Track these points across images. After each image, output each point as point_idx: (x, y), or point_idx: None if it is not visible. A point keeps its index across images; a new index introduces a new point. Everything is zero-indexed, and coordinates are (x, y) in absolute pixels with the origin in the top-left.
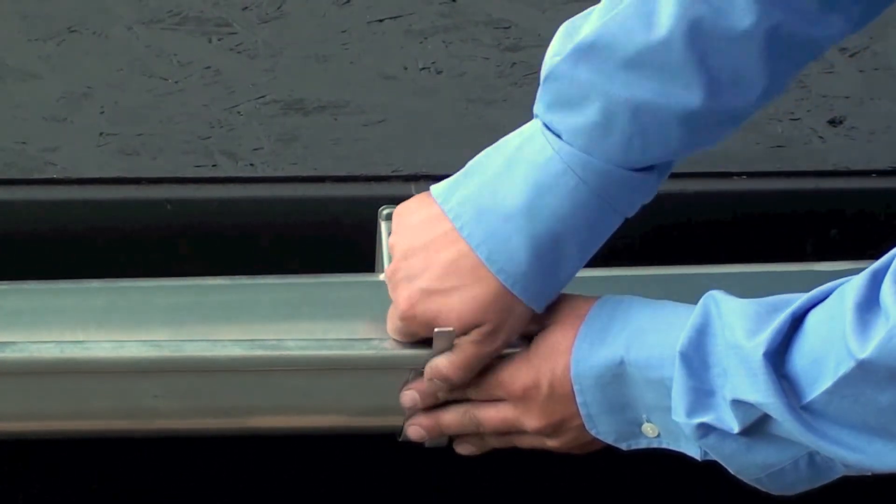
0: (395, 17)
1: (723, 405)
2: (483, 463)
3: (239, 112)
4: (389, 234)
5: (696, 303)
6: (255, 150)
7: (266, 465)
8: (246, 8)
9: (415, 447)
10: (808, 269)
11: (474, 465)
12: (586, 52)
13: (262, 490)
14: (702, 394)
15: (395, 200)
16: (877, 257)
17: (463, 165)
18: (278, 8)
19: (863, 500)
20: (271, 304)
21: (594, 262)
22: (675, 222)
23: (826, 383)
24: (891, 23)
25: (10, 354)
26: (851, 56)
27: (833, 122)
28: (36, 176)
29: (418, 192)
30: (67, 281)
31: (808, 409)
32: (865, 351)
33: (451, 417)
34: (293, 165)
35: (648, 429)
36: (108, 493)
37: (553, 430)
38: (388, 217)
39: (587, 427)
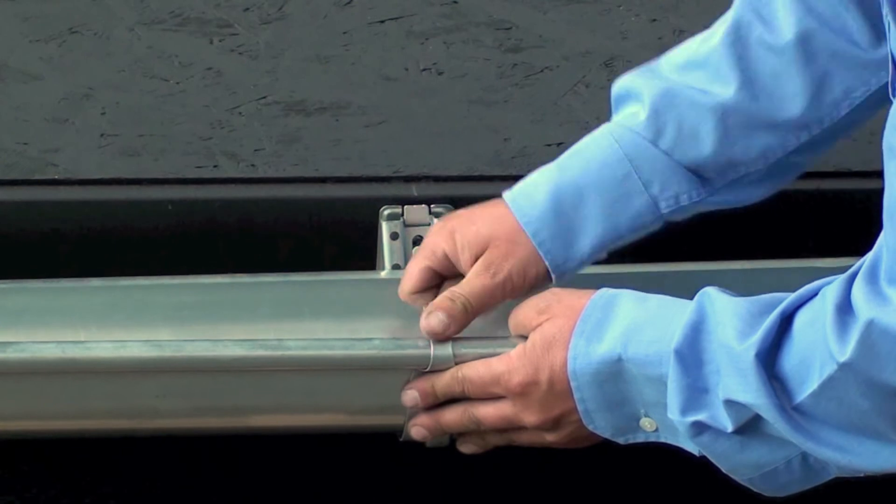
0: (397, 19)
1: (717, 403)
2: (483, 462)
3: (240, 113)
4: (390, 234)
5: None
6: (257, 150)
7: (267, 465)
8: (247, 9)
9: (416, 447)
10: (810, 266)
11: (475, 465)
12: (650, 67)
13: (264, 489)
14: (696, 391)
15: (396, 201)
16: None
17: (464, 166)
18: (279, 9)
19: (862, 500)
20: (273, 302)
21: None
22: (676, 221)
23: (813, 385)
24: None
25: (11, 354)
26: None
27: None
28: (37, 177)
29: (419, 192)
30: (69, 280)
31: (798, 410)
32: (845, 354)
33: (452, 416)
34: (294, 166)
35: (646, 423)
36: (109, 492)
37: (552, 424)
38: (390, 217)
39: (585, 422)
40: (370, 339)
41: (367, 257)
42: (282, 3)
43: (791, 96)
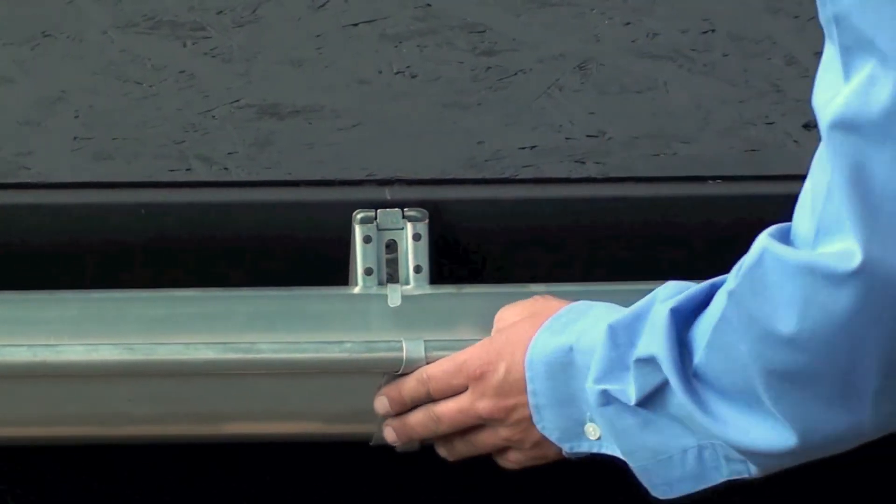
0: (370, 21)
1: (629, 378)
2: (458, 468)
3: (213, 116)
4: (364, 237)
5: None
6: (230, 154)
7: (241, 471)
8: (220, 12)
9: (387, 453)
10: None
11: (449, 471)
12: None
13: (236, 496)
14: (617, 365)
15: (370, 204)
16: None
17: (437, 169)
18: (253, 12)
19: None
20: (246, 315)
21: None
22: (647, 226)
23: (707, 335)
24: None
25: None
26: None
27: (808, 127)
28: (10, 180)
29: (392, 196)
30: (40, 291)
31: (696, 374)
32: (735, 281)
33: (417, 418)
34: (268, 170)
35: (590, 429)
36: (82, 498)
37: (504, 414)
38: (363, 221)
39: (534, 420)
40: (341, 343)
41: (340, 261)
42: (255, 6)
43: None
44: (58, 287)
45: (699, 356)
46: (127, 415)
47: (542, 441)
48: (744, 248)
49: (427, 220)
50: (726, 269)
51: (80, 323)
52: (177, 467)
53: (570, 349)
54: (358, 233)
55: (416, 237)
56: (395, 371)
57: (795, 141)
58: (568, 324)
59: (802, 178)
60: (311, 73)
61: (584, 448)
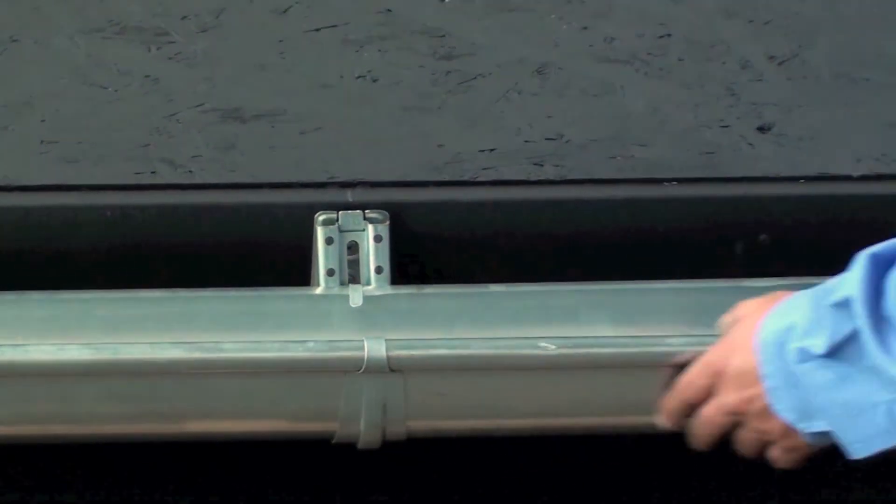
0: (332, 27)
1: (824, 331)
2: (456, 468)
3: (178, 120)
4: (326, 239)
5: None
6: (194, 157)
7: (240, 470)
8: (185, 17)
9: (351, 452)
10: (737, 286)
11: (446, 471)
12: None
13: (233, 496)
14: (815, 322)
15: (332, 206)
16: (808, 264)
17: (398, 172)
18: (216, 17)
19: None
20: (211, 315)
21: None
22: (605, 228)
23: None
24: (818, 30)
25: None
26: (780, 64)
27: (762, 129)
28: None
29: (354, 198)
30: (7, 292)
31: (887, 317)
32: None
33: (696, 427)
34: (231, 172)
35: None
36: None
37: (747, 404)
38: (325, 223)
39: (771, 403)
40: (304, 342)
41: (302, 262)
42: (218, 11)
43: None
44: (24, 288)
45: (892, 296)
46: (93, 413)
47: (788, 429)
48: (699, 248)
49: (388, 222)
50: (683, 271)
51: (46, 323)
52: (175, 467)
53: (793, 327)
54: (320, 234)
55: (378, 239)
56: (357, 370)
57: (750, 144)
58: (796, 306)
59: (757, 179)
60: (274, 78)
61: (815, 427)
